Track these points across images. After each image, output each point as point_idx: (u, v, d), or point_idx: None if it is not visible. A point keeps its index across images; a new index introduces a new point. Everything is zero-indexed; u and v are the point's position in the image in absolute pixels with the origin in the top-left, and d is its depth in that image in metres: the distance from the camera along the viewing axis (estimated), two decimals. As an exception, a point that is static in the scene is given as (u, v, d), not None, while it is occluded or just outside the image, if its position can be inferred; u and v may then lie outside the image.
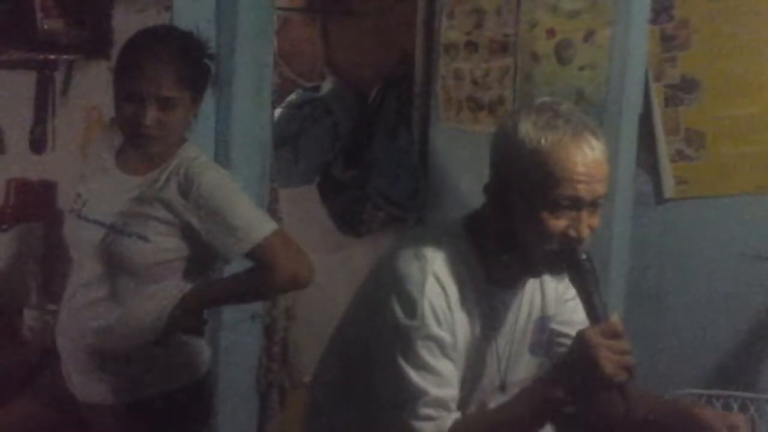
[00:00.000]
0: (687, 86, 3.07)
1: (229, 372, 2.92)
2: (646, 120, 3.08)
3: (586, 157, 1.70)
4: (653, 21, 3.05)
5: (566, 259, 1.75)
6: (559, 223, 1.71)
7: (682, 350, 3.12)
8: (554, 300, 1.94)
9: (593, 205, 1.73)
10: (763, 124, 3.02)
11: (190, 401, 2.36)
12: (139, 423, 2.29)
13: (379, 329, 1.79)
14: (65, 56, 3.10)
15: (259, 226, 2.22)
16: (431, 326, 1.74)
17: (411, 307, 1.74)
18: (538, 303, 1.94)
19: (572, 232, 1.72)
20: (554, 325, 1.95)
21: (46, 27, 3.00)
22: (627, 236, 3.04)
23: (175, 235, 2.22)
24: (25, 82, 3.25)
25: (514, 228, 1.76)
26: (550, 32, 3.10)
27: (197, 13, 2.76)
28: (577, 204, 1.71)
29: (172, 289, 2.26)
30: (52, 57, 3.11)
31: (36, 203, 3.32)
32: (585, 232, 1.73)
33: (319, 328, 2.34)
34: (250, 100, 2.92)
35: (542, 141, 1.70)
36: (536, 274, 1.85)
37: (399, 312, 1.75)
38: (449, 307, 1.76)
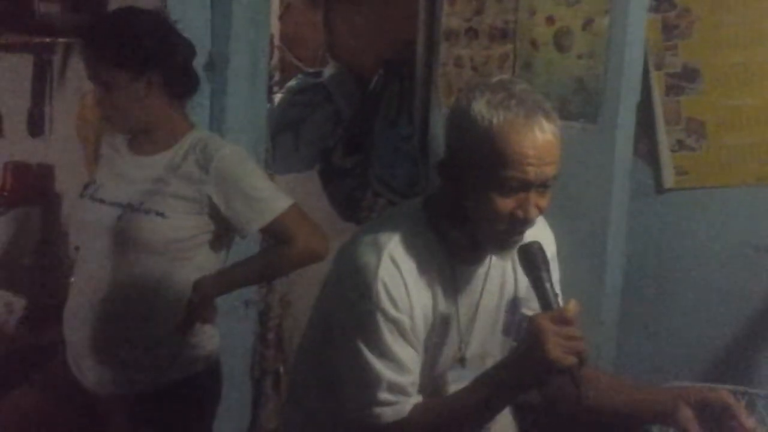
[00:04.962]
0: (688, 75, 3.03)
1: (224, 358, 2.90)
2: (645, 109, 3.05)
3: (537, 140, 1.69)
4: (655, 10, 3.02)
5: (516, 245, 1.76)
6: (507, 203, 1.71)
7: (681, 341, 3.09)
8: (526, 284, 1.91)
9: (543, 186, 1.73)
10: (764, 115, 2.98)
11: (207, 386, 2.37)
12: (157, 412, 2.28)
13: (340, 317, 1.80)
14: (62, 39, 3.10)
15: (278, 200, 2.27)
16: (387, 309, 1.74)
17: (366, 292, 1.74)
18: (511, 284, 1.94)
19: (520, 213, 1.72)
20: (525, 310, 1.94)
21: (42, 10, 3.00)
22: (623, 226, 3.01)
23: (192, 211, 2.23)
24: (22, 65, 3.26)
25: (465, 206, 1.76)
26: (550, 20, 3.07)
27: (191, -2, 2.75)
28: (525, 186, 1.70)
29: (190, 270, 2.26)
30: (49, 41, 3.12)
31: (33, 187, 3.33)
32: (533, 213, 1.73)
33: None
34: (246, 85, 2.90)
35: (494, 120, 1.69)
36: (485, 252, 1.85)
37: (355, 298, 1.75)
38: (406, 289, 1.76)
